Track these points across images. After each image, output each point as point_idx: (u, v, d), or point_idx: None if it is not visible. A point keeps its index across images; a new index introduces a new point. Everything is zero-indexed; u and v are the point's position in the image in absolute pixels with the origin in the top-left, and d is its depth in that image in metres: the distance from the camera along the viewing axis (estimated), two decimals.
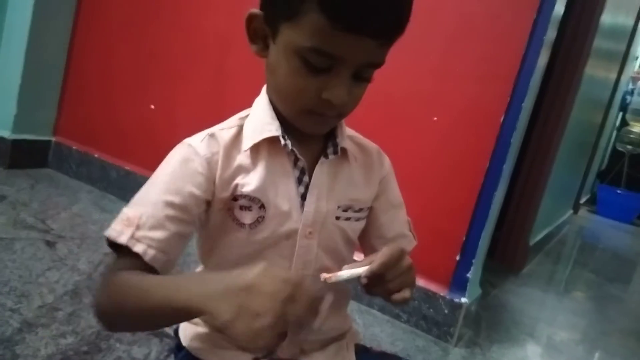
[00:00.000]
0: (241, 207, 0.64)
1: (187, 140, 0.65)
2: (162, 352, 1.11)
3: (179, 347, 0.74)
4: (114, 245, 0.60)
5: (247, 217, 0.64)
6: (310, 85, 0.58)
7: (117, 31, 2.15)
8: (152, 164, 0.66)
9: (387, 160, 0.77)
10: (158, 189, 0.61)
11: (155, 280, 0.58)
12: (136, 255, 0.58)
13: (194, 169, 0.62)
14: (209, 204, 0.64)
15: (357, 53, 0.56)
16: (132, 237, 0.58)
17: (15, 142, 2.12)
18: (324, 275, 0.61)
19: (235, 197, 0.63)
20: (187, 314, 0.53)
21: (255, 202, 0.64)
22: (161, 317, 0.56)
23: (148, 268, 0.59)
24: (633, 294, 2.96)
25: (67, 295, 1.26)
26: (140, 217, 0.59)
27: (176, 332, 0.76)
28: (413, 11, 0.58)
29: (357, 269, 0.60)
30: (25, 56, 2.07)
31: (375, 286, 0.60)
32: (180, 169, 0.62)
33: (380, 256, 0.59)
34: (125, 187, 2.05)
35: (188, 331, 0.73)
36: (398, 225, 0.77)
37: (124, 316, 0.58)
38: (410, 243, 0.78)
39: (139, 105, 2.08)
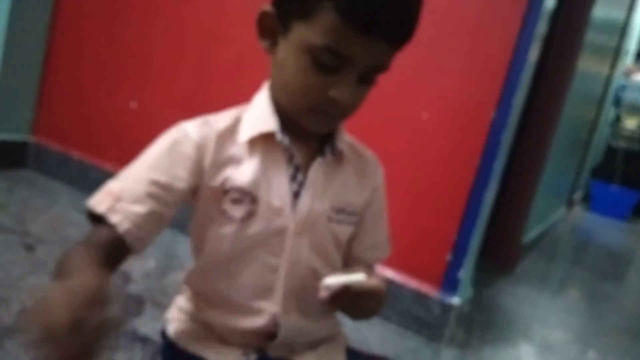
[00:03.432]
0: (232, 201, 0.64)
1: (182, 124, 0.66)
2: (145, 357, 1.10)
3: (166, 347, 0.75)
4: (92, 217, 0.61)
5: (238, 211, 0.65)
6: (318, 83, 0.60)
7: (97, 28, 2.11)
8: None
9: (381, 171, 0.78)
10: (145, 165, 0.63)
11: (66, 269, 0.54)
12: (110, 227, 0.59)
13: (183, 151, 0.63)
14: (196, 190, 0.65)
15: (366, 55, 0.59)
16: (111, 208, 0.59)
17: None
18: (326, 283, 0.61)
19: (225, 191, 0.64)
20: None
21: (247, 195, 0.64)
22: None
23: (118, 243, 0.59)
24: (627, 292, 2.97)
25: None
26: (122, 190, 0.61)
27: (163, 332, 0.76)
28: None
29: (356, 274, 0.60)
30: (2, 54, 2.02)
31: (343, 300, 0.62)
32: (170, 149, 0.64)
33: (374, 281, 0.63)
34: None
35: (177, 328, 0.73)
36: (380, 234, 0.79)
37: None
38: (385, 252, 0.80)
39: (119, 104, 2.04)
